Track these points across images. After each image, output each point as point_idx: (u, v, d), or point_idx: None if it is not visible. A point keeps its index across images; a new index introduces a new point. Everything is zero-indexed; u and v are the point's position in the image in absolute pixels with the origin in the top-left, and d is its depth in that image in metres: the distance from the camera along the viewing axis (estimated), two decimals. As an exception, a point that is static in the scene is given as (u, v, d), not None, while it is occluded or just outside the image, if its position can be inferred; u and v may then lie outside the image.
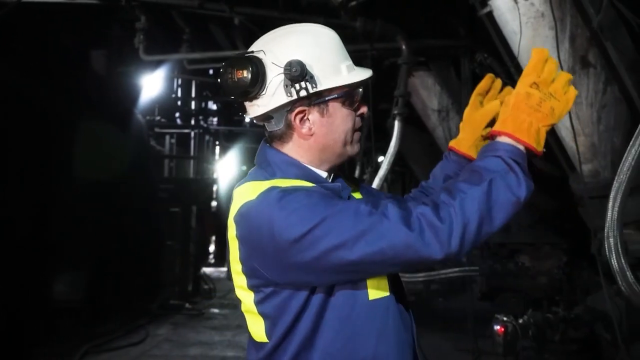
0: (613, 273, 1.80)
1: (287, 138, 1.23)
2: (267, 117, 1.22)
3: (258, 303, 1.17)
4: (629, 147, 1.71)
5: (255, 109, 1.22)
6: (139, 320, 6.41)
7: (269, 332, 1.17)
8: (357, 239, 1.06)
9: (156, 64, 6.19)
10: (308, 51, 1.20)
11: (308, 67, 1.17)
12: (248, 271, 1.17)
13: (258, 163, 1.26)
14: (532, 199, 1.14)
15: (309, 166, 1.23)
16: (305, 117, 1.20)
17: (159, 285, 7.81)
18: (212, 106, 11.16)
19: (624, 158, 1.72)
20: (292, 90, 1.17)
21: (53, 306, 5.69)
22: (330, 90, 1.20)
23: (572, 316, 3.82)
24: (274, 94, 1.19)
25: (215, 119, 11.17)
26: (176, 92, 10.40)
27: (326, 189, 1.18)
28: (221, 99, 9.95)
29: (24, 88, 5.06)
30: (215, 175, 11.64)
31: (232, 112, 10.92)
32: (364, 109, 1.26)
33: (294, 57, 1.17)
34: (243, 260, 1.17)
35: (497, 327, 3.62)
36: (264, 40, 1.25)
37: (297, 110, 1.19)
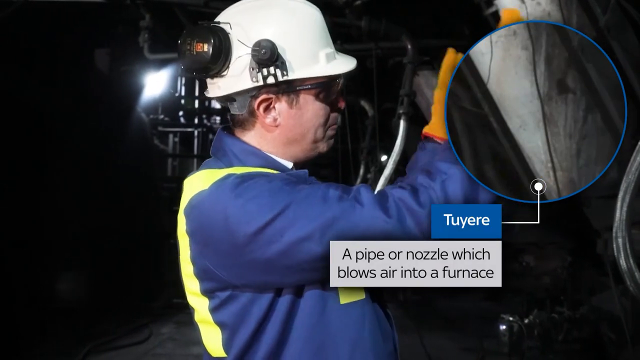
0: (621, 273, 1.79)
1: (249, 125, 1.08)
2: (229, 98, 1.07)
3: (214, 310, 1.02)
4: (638, 146, 1.70)
5: (215, 89, 1.07)
6: (142, 319, 6.41)
7: (226, 345, 1.01)
8: (327, 228, 0.93)
9: (160, 63, 6.19)
10: (283, 31, 1.03)
11: (280, 51, 1.00)
12: (200, 273, 1.02)
13: (213, 153, 1.12)
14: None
15: (272, 155, 1.07)
16: (271, 106, 1.05)
17: (162, 284, 7.81)
18: (216, 105, 11.17)
19: (632, 157, 1.71)
20: (259, 75, 1.01)
21: (55, 305, 5.70)
22: (302, 80, 1.04)
23: (577, 316, 3.82)
24: (237, 76, 1.03)
25: (218, 118, 11.16)
26: (179, 91, 10.41)
27: (291, 176, 1.04)
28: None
29: (27, 87, 5.07)
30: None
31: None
32: (341, 104, 1.11)
33: (265, 36, 1.00)
34: (194, 259, 1.03)
35: (502, 327, 3.62)
36: (234, 9, 1.08)
37: (262, 97, 1.04)
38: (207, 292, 1.02)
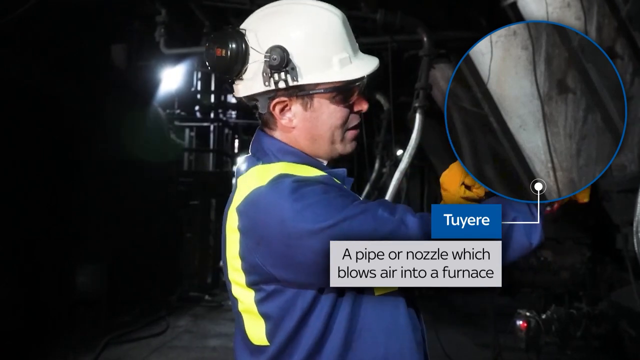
0: (642, 269, 1.76)
1: (272, 125, 1.13)
2: (252, 99, 1.12)
3: (259, 302, 1.06)
4: (659, 140, 1.67)
5: (238, 89, 1.14)
6: (159, 311, 6.48)
7: (270, 335, 1.06)
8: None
9: (176, 58, 6.22)
10: (294, 37, 1.07)
11: (291, 56, 1.05)
12: (248, 268, 1.05)
13: (253, 152, 1.16)
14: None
15: (307, 154, 1.12)
16: (286, 108, 1.10)
17: (179, 277, 7.89)
18: (231, 100, 11.20)
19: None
20: (271, 79, 1.06)
21: (74, 298, 5.78)
22: (315, 85, 1.08)
23: (596, 312, 3.77)
24: (252, 80, 1.09)
25: (234, 113, 11.20)
26: (196, 86, 10.44)
27: (333, 176, 1.10)
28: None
29: (45, 83, 5.12)
30: (234, 169, 11.66)
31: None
32: (362, 106, 1.13)
33: (277, 42, 1.05)
34: (243, 255, 1.06)
35: (519, 322, 3.58)
36: (255, 15, 1.13)
37: (277, 100, 1.09)
38: (252, 285, 1.06)
